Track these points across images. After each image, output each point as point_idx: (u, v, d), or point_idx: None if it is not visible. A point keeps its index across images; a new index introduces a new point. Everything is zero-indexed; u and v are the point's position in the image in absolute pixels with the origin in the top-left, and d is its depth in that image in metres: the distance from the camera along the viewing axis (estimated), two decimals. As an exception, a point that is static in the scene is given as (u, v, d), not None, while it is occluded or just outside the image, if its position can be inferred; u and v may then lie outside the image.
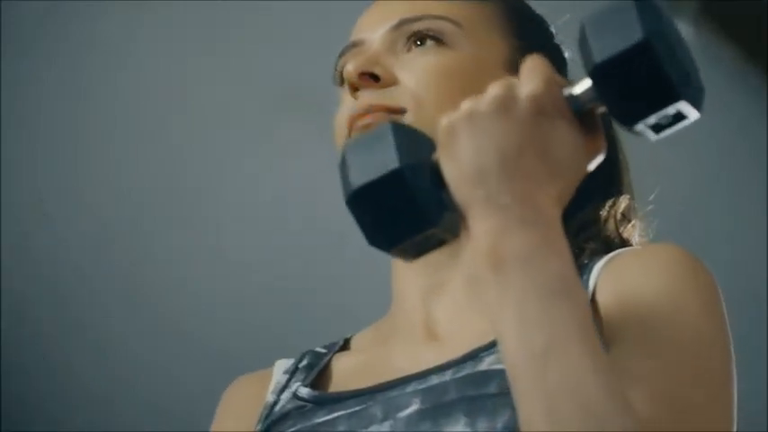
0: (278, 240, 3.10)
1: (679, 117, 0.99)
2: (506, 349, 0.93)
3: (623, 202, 1.27)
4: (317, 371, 1.25)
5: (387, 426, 1.11)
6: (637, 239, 1.27)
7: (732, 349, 1.09)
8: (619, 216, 1.26)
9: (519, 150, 0.95)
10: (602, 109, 0.99)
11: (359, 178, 0.97)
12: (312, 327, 3.23)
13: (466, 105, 0.98)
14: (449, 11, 1.25)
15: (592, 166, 1.00)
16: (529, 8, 1.34)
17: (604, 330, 1.08)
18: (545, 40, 1.32)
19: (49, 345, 3.03)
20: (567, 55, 1.33)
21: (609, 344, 1.05)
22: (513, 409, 1.00)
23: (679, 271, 1.10)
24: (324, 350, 1.29)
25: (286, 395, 1.22)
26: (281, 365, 1.28)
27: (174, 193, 3.13)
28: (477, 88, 1.21)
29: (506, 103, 0.97)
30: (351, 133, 1.22)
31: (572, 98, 0.99)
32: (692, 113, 0.99)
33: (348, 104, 1.24)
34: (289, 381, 1.25)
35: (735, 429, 1.07)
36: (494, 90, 0.98)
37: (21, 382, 3.02)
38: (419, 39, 1.24)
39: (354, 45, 1.27)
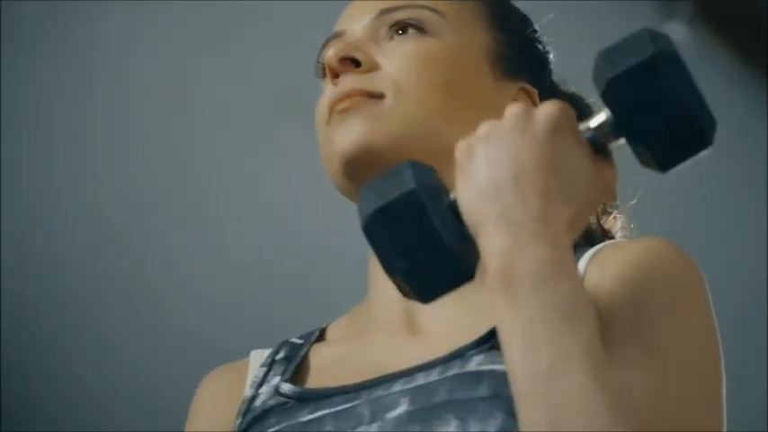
0: (278, 240, 3.10)
1: None
2: (513, 364, 0.95)
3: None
4: (295, 364, 1.22)
5: (375, 427, 1.09)
6: (619, 232, 1.27)
7: (720, 346, 1.09)
8: (600, 210, 1.26)
9: (534, 168, 0.97)
10: (617, 141, 1.01)
11: (374, 203, 0.98)
12: (312, 327, 3.23)
13: (484, 127, 1.00)
14: (431, 1, 1.25)
15: (604, 200, 1.04)
16: (512, 4, 1.34)
17: None
18: (528, 36, 1.32)
19: (49, 345, 3.03)
20: (551, 56, 1.33)
21: None
22: (504, 412, 1.02)
23: (667, 267, 1.10)
24: (300, 341, 1.27)
25: (266, 389, 1.20)
26: (257, 357, 1.26)
27: (173, 193, 3.13)
28: (458, 77, 1.22)
29: (523, 122, 0.99)
30: (331, 117, 1.22)
31: (588, 130, 1.01)
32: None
33: (329, 92, 1.24)
34: (267, 374, 1.22)
35: (725, 429, 1.07)
36: (511, 110, 1.00)
37: (21, 382, 3.02)
38: (401, 27, 1.24)
39: (336, 36, 1.27)
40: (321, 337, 1.28)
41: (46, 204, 3.05)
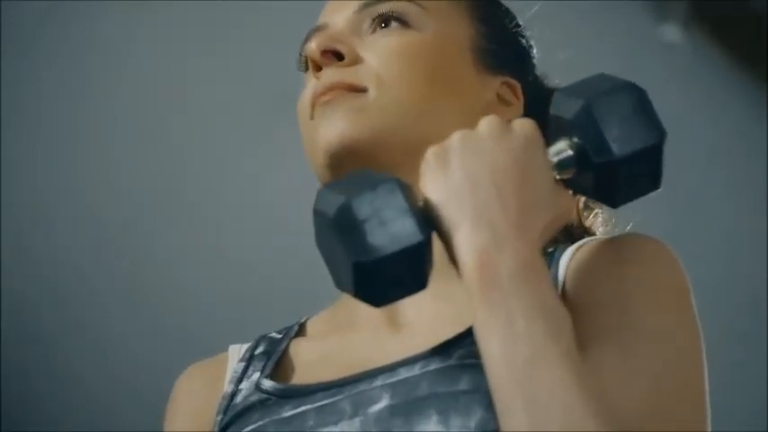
0: (278, 240, 3.10)
1: None
2: (492, 359, 0.97)
3: None
4: (275, 359, 1.22)
5: (357, 422, 1.09)
6: (600, 228, 1.27)
7: (701, 338, 1.09)
8: (581, 205, 1.26)
9: (511, 176, 1.00)
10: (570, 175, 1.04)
11: (382, 246, 0.99)
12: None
13: (458, 134, 1.02)
14: None
15: (565, 221, 1.06)
16: None
17: (574, 324, 1.07)
18: (511, 29, 1.31)
19: (49, 345, 3.03)
20: (534, 50, 1.32)
21: (580, 339, 1.05)
22: (485, 407, 1.02)
23: (649, 263, 1.10)
24: (279, 335, 1.27)
25: (246, 385, 1.20)
26: (235, 352, 1.27)
27: (173, 193, 3.13)
28: (440, 70, 1.22)
29: (499, 133, 1.01)
30: (313, 111, 1.22)
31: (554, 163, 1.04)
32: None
33: (311, 85, 1.24)
34: (246, 369, 1.22)
35: (709, 428, 1.07)
36: (487, 121, 1.03)
37: (21, 382, 3.02)
38: (383, 21, 1.24)
39: (319, 29, 1.27)
40: (301, 331, 1.28)
41: (46, 204, 3.05)
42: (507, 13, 1.33)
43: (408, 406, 1.08)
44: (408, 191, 1.01)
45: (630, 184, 1.02)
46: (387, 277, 1.00)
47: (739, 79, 3.62)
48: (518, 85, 1.27)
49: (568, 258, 1.13)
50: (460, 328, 1.11)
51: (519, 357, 0.95)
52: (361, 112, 1.19)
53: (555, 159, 1.03)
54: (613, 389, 1.00)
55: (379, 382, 1.11)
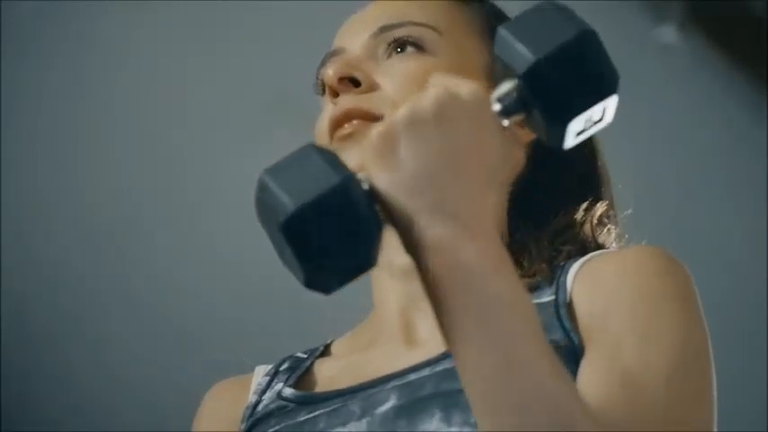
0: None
1: (598, 120, 0.99)
2: (466, 365, 0.90)
3: (600, 208, 1.27)
4: (299, 373, 1.25)
5: (364, 422, 1.11)
6: (613, 244, 1.27)
7: (710, 349, 1.10)
8: (595, 221, 1.26)
9: (463, 156, 0.93)
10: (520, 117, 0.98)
11: (297, 198, 0.91)
12: (311, 327, 3.22)
13: (400, 113, 0.94)
14: (429, 17, 1.25)
15: (513, 175, 0.99)
16: (507, 16, 1.33)
17: (582, 333, 1.09)
18: None
19: (49, 345, 3.03)
20: None
21: (587, 346, 1.07)
22: None
23: (657, 274, 1.10)
24: (304, 355, 1.29)
25: (269, 395, 1.23)
26: (261, 370, 1.29)
27: (173, 194, 3.13)
28: None
29: (449, 106, 0.94)
30: (332, 143, 1.22)
31: (499, 107, 0.97)
32: (610, 115, 0.99)
33: (328, 111, 1.24)
34: (270, 382, 1.25)
35: (715, 429, 1.08)
36: (433, 94, 0.95)
37: (20, 382, 3.02)
38: (399, 45, 1.24)
39: (335, 53, 1.28)
40: (325, 352, 1.30)
41: (46, 204, 3.05)
42: None
43: (413, 405, 1.10)
44: (328, 154, 0.94)
45: (570, 91, 0.94)
46: (321, 235, 0.90)
47: (737, 80, 3.63)
48: None
49: (576, 271, 1.15)
50: None
51: (498, 359, 0.89)
52: None
53: (500, 106, 0.96)
54: (622, 394, 1.01)
55: (389, 386, 1.13)
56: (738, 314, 3.32)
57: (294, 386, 1.22)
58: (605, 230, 1.26)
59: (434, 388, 1.09)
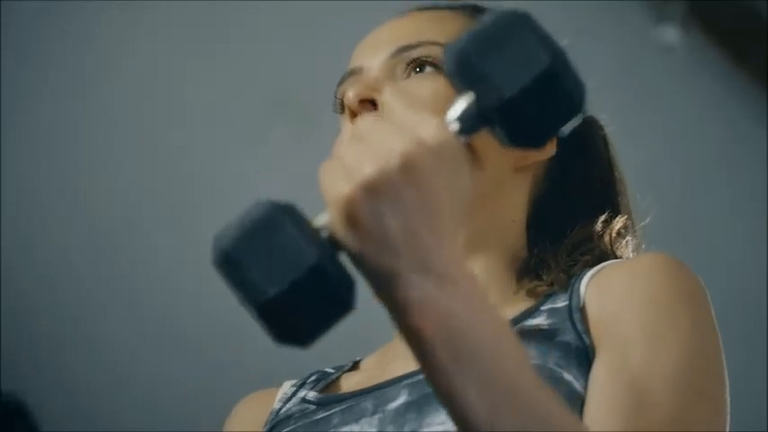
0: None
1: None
2: (464, 409, 0.87)
3: (619, 222, 1.27)
4: (326, 382, 1.28)
5: (376, 419, 1.13)
6: (631, 255, 1.28)
7: (723, 355, 1.11)
8: (614, 234, 1.27)
9: (435, 206, 0.87)
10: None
11: (273, 284, 0.87)
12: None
13: (365, 175, 0.86)
14: (447, 36, 1.25)
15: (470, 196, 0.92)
16: None
17: (593, 335, 1.10)
18: None
19: (49, 345, 3.03)
20: None
21: (597, 348, 1.09)
22: None
23: (666, 279, 1.12)
24: (332, 370, 1.31)
25: (294, 401, 1.26)
26: (289, 383, 1.32)
27: (173, 194, 3.13)
28: None
29: (412, 162, 0.86)
30: None
31: (458, 126, 0.90)
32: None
33: (348, 132, 1.25)
34: (296, 391, 1.28)
35: (728, 428, 1.08)
36: (395, 151, 0.87)
37: (20, 382, 3.02)
38: (418, 65, 1.25)
39: (353, 72, 1.28)
40: (353, 368, 1.32)
41: (46, 204, 3.05)
42: None
43: (423, 400, 1.11)
44: (294, 215, 0.89)
45: (545, 117, 0.88)
46: (297, 314, 0.87)
47: (738, 80, 3.63)
48: None
49: (589, 277, 1.16)
50: None
51: (493, 403, 0.86)
52: None
53: (459, 125, 0.90)
54: (630, 398, 1.02)
55: (401, 384, 1.15)
56: (738, 314, 3.32)
57: (319, 392, 1.26)
58: (624, 243, 1.27)
59: None
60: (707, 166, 3.58)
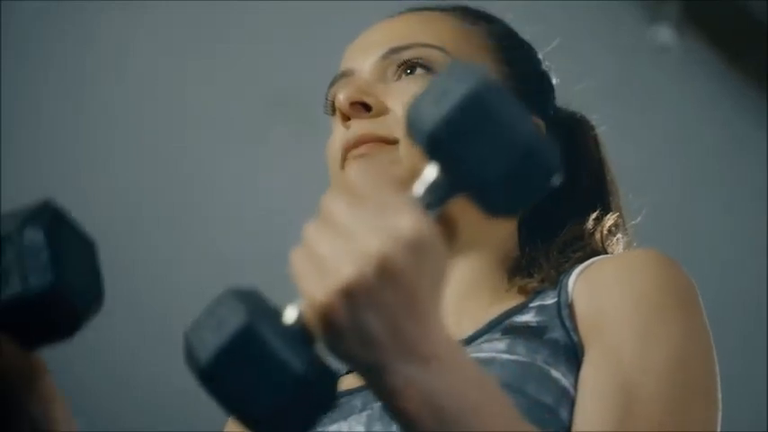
0: (274, 240, 3.10)
1: None
2: None
3: (610, 219, 1.27)
4: None
5: (364, 415, 1.13)
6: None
7: (714, 351, 1.10)
8: (605, 231, 1.26)
9: (415, 298, 0.85)
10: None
11: (261, 403, 0.85)
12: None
13: (342, 281, 0.84)
14: (438, 38, 1.26)
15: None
16: (516, 35, 1.33)
17: (581, 332, 1.10)
18: (533, 67, 1.32)
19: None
20: (554, 81, 1.33)
21: (586, 346, 1.08)
22: None
23: (655, 275, 1.11)
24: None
25: None
26: None
27: (173, 194, 3.13)
28: None
29: (390, 263, 0.84)
30: (344, 163, 1.23)
31: (429, 199, 0.88)
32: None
33: (340, 133, 1.25)
34: None
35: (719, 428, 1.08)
36: (371, 254, 0.84)
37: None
38: (409, 67, 1.25)
39: (344, 74, 1.28)
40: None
41: (46, 204, 3.05)
42: (530, 51, 1.33)
43: None
44: (269, 319, 0.87)
45: (517, 194, 0.86)
46: (285, 422, 0.85)
47: (733, 80, 3.63)
48: (543, 124, 1.27)
49: (578, 274, 1.16)
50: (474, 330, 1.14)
51: None
52: (394, 165, 1.20)
53: (428, 200, 0.88)
54: (620, 400, 1.03)
55: None
56: (738, 314, 3.32)
57: None
58: (615, 240, 1.27)
59: None
60: (703, 167, 3.58)
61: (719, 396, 1.08)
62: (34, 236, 1.02)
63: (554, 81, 1.33)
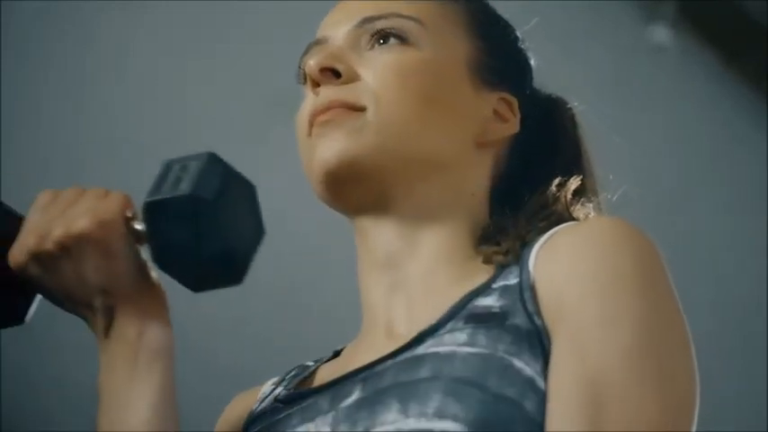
0: (273, 239, 3.10)
1: None
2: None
3: (574, 183, 1.24)
4: (300, 378, 1.26)
5: (330, 416, 1.11)
6: (591, 216, 1.25)
7: (686, 326, 1.08)
8: (569, 195, 1.24)
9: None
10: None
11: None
12: (309, 327, 3.22)
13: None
14: (413, 10, 1.25)
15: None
16: (494, 11, 1.32)
17: (544, 315, 1.08)
18: (509, 44, 1.31)
19: (49, 344, 3.04)
20: (533, 62, 1.32)
21: (552, 331, 1.06)
22: (443, 392, 1.03)
23: (612, 245, 1.09)
24: (312, 363, 1.30)
25: (268, 400, 1.24)
26: (271, 381, 1.30)
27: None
28: (438, 89, 1.22)
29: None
30: (312, 130, 1.23)
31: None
32: None
33: (310, 100, 1.25)
34: (274, 389, 1.26)
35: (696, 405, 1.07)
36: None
37: (20, 382, 3.02)
38: (382, 37, 1.24)
39: (318, 43, 1.27)
40: (332, 358, 1.30)
41: (46, 204, 3.05)
42: (506, 28, 1.32)
43: (373, 397, 1.09)
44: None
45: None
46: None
47: (730, 80, 3.63)
48: (515, 101, 1.26)
49: (537, 249, 1.13)
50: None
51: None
52: (360, 132, 1.20)
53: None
54: (594, 391, 1.02)
55: (357, 378, 1.14)
56: (738, 314, 3.32)
57: (293, 389, 1.23)
58: (580, 203, 1.24)
59: (393, 379, 1.09)
60: (701, 167, 3.58)
61: (695, 375, 1.06)
62: (213, 160, 1.20)
63: (533, 62, 1.32)
